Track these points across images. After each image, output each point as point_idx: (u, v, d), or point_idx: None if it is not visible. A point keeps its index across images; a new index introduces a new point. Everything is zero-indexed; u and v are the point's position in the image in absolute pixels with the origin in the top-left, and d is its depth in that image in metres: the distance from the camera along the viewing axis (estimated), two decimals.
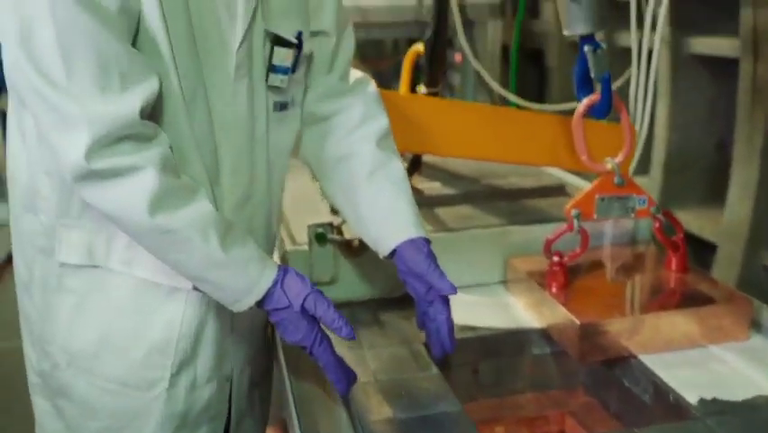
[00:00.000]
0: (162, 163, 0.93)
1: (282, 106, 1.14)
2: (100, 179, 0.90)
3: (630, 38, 2.12)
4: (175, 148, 0.98)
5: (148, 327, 1.07)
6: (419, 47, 2.01)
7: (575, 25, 1.27)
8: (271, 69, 1.09)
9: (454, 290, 1.08)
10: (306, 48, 1.14)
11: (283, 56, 1.09)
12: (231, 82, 1.04)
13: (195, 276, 1.00)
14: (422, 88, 1.63)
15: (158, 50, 0.95)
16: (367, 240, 1.18)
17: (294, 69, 1.12)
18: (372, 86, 1.26)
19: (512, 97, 2.63)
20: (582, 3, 1.24)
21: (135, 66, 0.91)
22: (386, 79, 3.87)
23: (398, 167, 1.20)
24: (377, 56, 3.68)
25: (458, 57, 2.95)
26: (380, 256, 1.15)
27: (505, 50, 3.03)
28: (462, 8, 2.70)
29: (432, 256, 1.10)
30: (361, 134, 1.20)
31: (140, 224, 0.93)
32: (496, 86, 2.68)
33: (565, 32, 1.30)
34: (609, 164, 1.36)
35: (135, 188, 0.91)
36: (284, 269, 1.04)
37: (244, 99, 1.07)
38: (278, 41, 1.08)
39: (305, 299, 1.02)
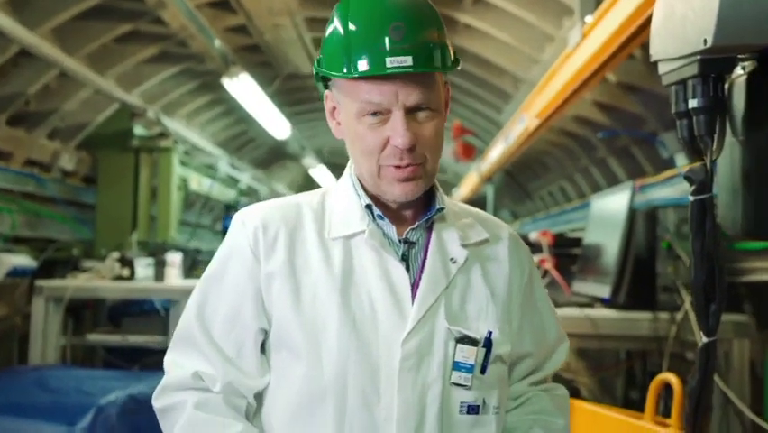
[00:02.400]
0: (200, 403, 1.12)
1: (472, 409, 1.13)
2: (161, 414, 1.17)
3: None
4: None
5: None
6: (669, 376, 1.96)
7: None
8: (454, 366, 1.12)
9: None
10: (501, 350, 1.17)
11: (466, 353, 1.12)
12: (396, 374, 1.09)
13: None
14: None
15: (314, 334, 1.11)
16: None
17: (483, 369, 1.13)
18: (563, 389, 1.30)
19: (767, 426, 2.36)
20: None
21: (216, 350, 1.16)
22: (608, 385, 3.73)
23: None
24: (599, 361, 3.60)
25: None
26: None
27: (752, 366, 2.81)
28: None
29: None
30: (532, 423, 1.22)
31: None
32: (747, 411, 2.45)
33: None
34: None
35: (173, 421, 1.14)
36: None
37: (411, 393, 1.09)
38: (461, 338, 1.12)
39: None
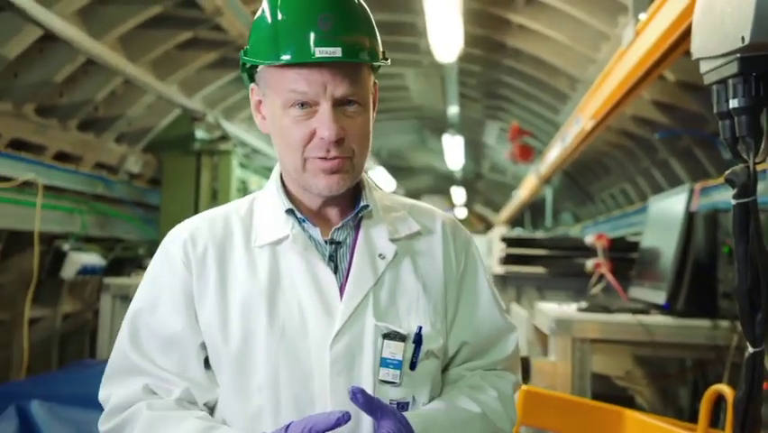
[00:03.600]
0: (152, 405, 1.09)
1: (401, 407, 1.11)
2: None
3: None
4: None
5: None
6: (722, 387, 1.88)
7: None
8: (381, 362, 1.10)
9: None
10: (433, 345, 1.14)
11: (393, 349, 1.10)
12: (327, 379, 1.07)
13: None
14: None
15: (246, 346, 1.09)
16: None
17: (413, 365, 1.11)
18: (510, 376, 1.26)
19: None
20: None
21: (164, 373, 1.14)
22: (672, 396, 3.61)
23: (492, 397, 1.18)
24: (660, 370, 3.49)
25: (767, 385, 2.66)
26: None
27: None
28: None
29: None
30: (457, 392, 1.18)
31: None
32: None
33: None
34: None
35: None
36: None
37: (345, 396, 1.04)
38: (388, 334, 1.10)
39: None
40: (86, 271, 4.16)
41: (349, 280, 1.13)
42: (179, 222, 1.25)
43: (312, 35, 1.05)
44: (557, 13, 3.87)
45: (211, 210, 1.24)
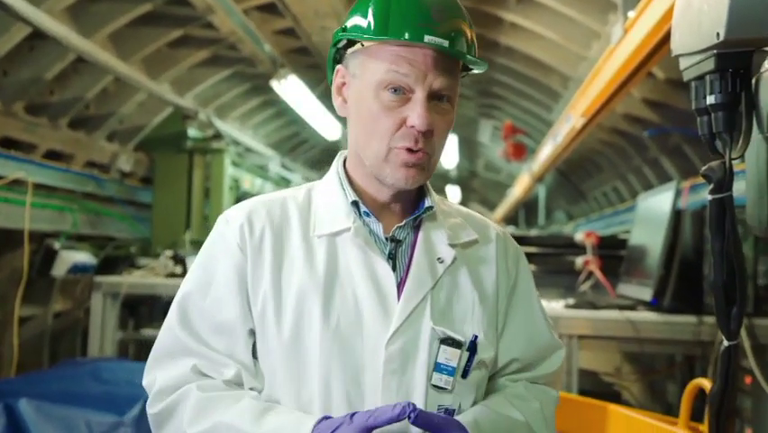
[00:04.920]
0: (202, 386, 1.07)
1: (449, 414, 1.09)
2: (159, 418, 1.10)
3: None
4: None
5: None
6: (702, 381, 1.89)
7: None
8: (435, 367, 1.08)
9: None
10: (485, 355, 1.13)
11: (449, 355, 1.08)
12: (380, 377, 1.05)
13: None
14: None
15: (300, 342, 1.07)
16: None
17: (465, 373, 1.09)
18: (552, 391, 1.25)
19: None
20: None
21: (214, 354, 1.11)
22: (658, 386, 3.63)
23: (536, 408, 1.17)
24: (649, 366, 3.51)
25: (747, 379, 2.68)
26: None
27: None
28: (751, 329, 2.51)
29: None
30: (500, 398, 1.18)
31: None
32: None
33: None
34: None
35: (179, 416, 1.06)
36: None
37: (395, 397, 1.04)
38: (445, 339, 1.08)
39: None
40: (77, 269, 4.15)
41: (408, 279, 1.11)
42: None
43: (424, 22, 1.06)
44: (548, 11, 3.88)
45: (266, 194, 1.22)
